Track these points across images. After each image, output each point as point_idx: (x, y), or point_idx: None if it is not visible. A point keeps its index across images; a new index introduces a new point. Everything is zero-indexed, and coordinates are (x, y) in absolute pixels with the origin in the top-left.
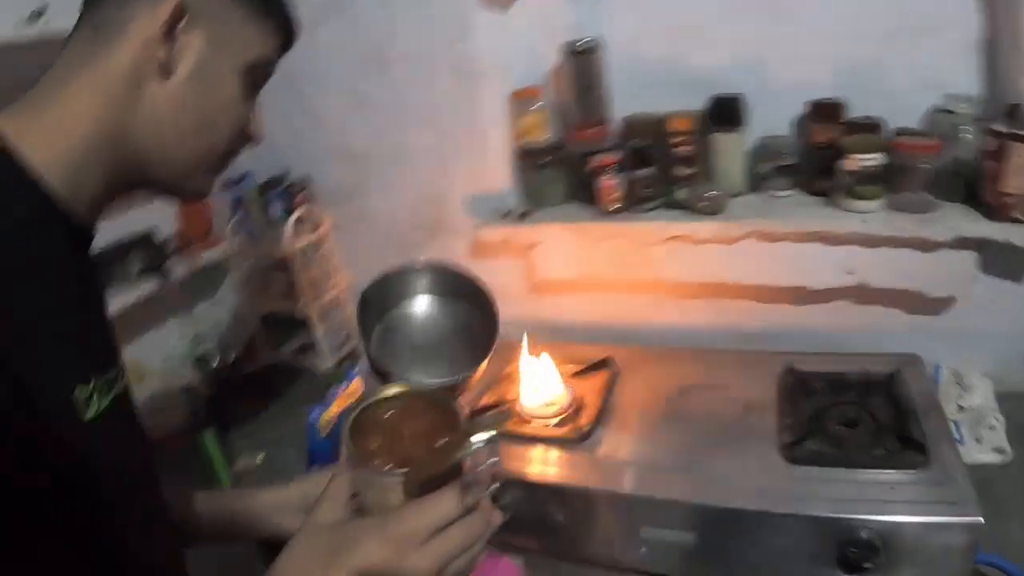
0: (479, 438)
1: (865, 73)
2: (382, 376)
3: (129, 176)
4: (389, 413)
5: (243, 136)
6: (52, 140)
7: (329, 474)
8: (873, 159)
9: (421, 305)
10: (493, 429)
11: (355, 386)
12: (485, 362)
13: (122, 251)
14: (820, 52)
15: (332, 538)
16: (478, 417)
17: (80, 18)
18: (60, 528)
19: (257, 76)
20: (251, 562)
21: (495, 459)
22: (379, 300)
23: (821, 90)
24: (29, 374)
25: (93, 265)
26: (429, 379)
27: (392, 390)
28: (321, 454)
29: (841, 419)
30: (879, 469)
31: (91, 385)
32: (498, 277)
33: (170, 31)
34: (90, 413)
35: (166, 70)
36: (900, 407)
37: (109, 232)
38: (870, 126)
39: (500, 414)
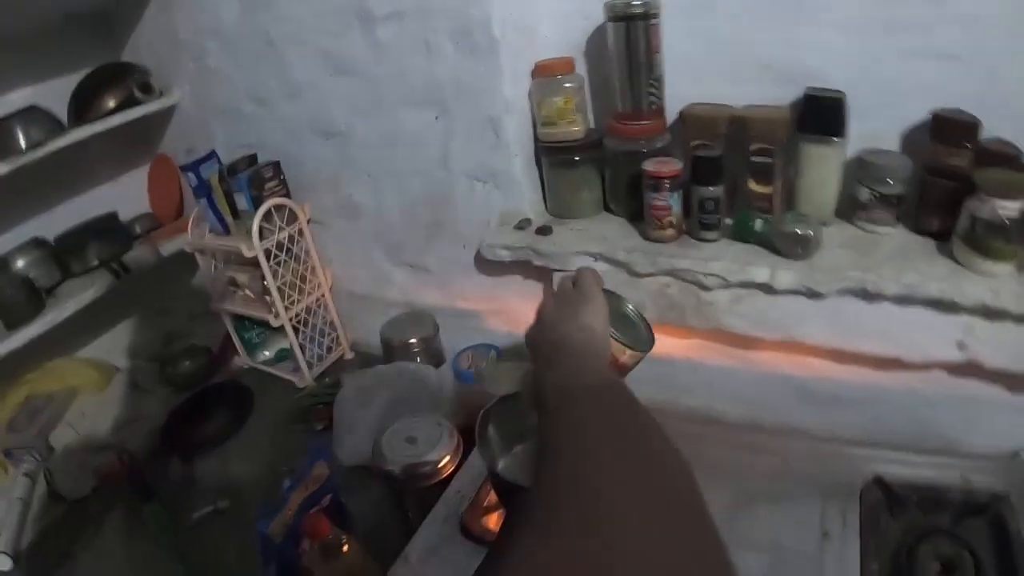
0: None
1: (1013, 83)
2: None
3: None
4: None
5: None
6: None
7: None
8: (1016, 208)
9: None
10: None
11: (319, 471)
12: None
13: (81, 238)
14: (954, 47)
15: None
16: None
17: None
18: None
19: None
20: None
21: None
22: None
23: (950, 98)
24: None
25: None
26: None
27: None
28: (278, 561)
29: (938, 556)
30: None
31: None
32: (508, 299)
33: None
34: None
35: None
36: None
37: (70, 212)
38: (1010, 158)
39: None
